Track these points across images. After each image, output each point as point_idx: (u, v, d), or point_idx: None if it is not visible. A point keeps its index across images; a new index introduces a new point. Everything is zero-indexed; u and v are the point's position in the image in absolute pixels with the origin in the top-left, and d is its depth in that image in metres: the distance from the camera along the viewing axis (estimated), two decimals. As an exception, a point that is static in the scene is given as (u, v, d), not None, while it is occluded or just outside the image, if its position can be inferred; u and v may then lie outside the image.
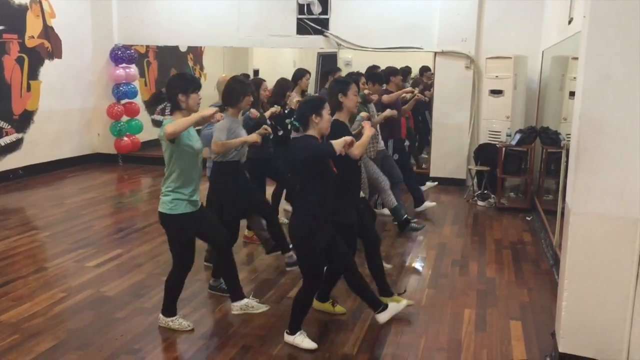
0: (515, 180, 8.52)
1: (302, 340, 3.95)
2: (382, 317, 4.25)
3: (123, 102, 10.45)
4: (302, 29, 9.64)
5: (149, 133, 11.63)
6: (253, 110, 5.39)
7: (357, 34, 9.45)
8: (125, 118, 10.54)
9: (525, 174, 8.03)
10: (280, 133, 6.29)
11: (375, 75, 7.00)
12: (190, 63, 13.61)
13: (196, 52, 13.77)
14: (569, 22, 5.95)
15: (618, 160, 3.29)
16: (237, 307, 4.41)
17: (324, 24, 9.55)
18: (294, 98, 6.47)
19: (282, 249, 5.34)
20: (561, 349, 3.60)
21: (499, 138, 8.45)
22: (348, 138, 3.79)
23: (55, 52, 9.59)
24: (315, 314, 4.47)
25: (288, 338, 4.00)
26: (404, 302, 4.48)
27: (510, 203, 8.11)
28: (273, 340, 4.07)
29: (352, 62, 15.01)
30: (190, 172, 3.93)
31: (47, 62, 9.44)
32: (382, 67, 9.68)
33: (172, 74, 12.67)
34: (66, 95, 9.91)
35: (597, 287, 3.46)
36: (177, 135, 3.72)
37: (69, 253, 5.77)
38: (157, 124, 12.37)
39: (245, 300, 4.43)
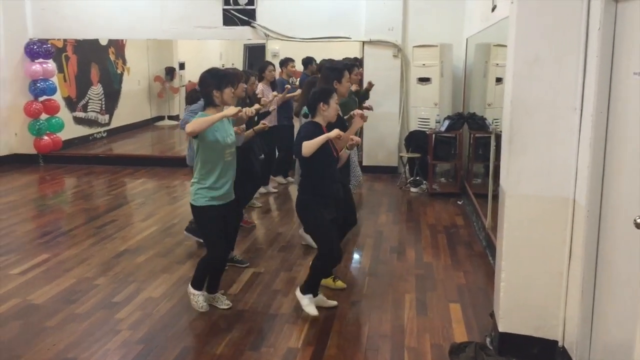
0: (445, 165, 8.71)
1: (308, 304, 4.22)
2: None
3: (41, 99, 9.93)
4: (229, 20, 9.44)
5: (71, 131, 11.15)
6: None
7: (285, 24, 9.36)
8: (44, 116, 10.02)
9: (455, 160, 8.22)
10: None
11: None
12: (112, 57, 13.11)
13: (118, 46, 13.28)
14: (493, 10, 6.10)
15: (547, 142, 3.38)
16: (190, 292, 4.39)
17: (251, 14, 9.40)
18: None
19: None
20: (501, 329, 3.69)
21: (428, 125, 8.61)
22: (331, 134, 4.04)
23: (-37, 47, 9.00)
24: (253, 305, 4.42)
25: (298, 294, 4.29)
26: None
27: (442, 188, 8.28)
28: (215, 339, 3.97)
29: (280, 53, 15.00)
30: (215, 164, 4.07)
31: (-45, 58, 8.84)
32: (314, 56, 9.70)
33: (93, 68, 12.31)
34: (-22, 94, 9.33)
35: (533, 267, 3.55)
36: (198, 133, 3.90)
37: (-10, 261, 5.44)
38: (79, 121, 11.88)
39: (200, 292, 4.39)
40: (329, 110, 4.13)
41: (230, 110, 4.00)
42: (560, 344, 3.56)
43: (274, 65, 7.86)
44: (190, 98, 4.09)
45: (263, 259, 5.54)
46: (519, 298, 3.62)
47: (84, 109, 12.07)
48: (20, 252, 5.71)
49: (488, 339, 3.90)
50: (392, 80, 9.19)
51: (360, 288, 4.86)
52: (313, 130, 4.09)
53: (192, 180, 4.18)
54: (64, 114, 10.84)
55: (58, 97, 10.47)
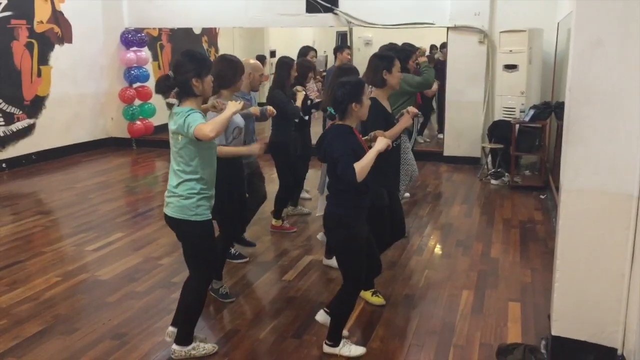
0: (531, 157, 8.27)
1: (350, 350, 3.57)
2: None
3: (135, 85, 10.44)
4: (312, 7, 9.42)
5: (162, 117, 11.61)
6: (270, 108, 5.10)
7: (368, 11, 9.20)
8: (137, 102, 10.53)
9: (539, 151, 7.77)
10: (307, 118, 6.09)
11: None
12: (205, 45, 13.52)
13: (211, 34, 13.68)
14: (579, -10, 5.66)
15: (608, 132, 3.09)
16: (181, 352, 3.55)
17: (334, 1, 9.32)
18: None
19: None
20: (554, 332, 3.44)
21: (514, 114, 8.19)
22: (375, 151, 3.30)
23: (65, 37, 9.60)
24: (305, 293, 4.41)
25: (331, 350, 3.58)
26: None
27: (525, 181, 7.87)
28: (260, 324, 4.00)
29: (373, 40, 14.85)
30: (212, 167, 3.45)
31: (57, 47, 9.44)
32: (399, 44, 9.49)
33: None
34: (78, 80, 9.93)
35: (591, 267, 3.28)
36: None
37: (70, 237, 5.78)
38: (172, 107, 12.33)
39: (192, 345, 3.58)
40: (362, 109, 3.39)
41: (234, 105, 3.31)
42: (619, 351, 3.27)
43: (315, 51, 7.18)
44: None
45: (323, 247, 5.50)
46: (574, 300, 3.36)
47: (177, 95, 12.52)
48: (99, 229, 6.03)
49: (543, 342, 3.65)
50: (477, 67, 8.82)
51: (416, 281, 4.72)
52: (351, 139, 3.37)
53: (185, 193, 3.35)
54: (157, 100, 11.29)
55: (151, 84, 10.92)
